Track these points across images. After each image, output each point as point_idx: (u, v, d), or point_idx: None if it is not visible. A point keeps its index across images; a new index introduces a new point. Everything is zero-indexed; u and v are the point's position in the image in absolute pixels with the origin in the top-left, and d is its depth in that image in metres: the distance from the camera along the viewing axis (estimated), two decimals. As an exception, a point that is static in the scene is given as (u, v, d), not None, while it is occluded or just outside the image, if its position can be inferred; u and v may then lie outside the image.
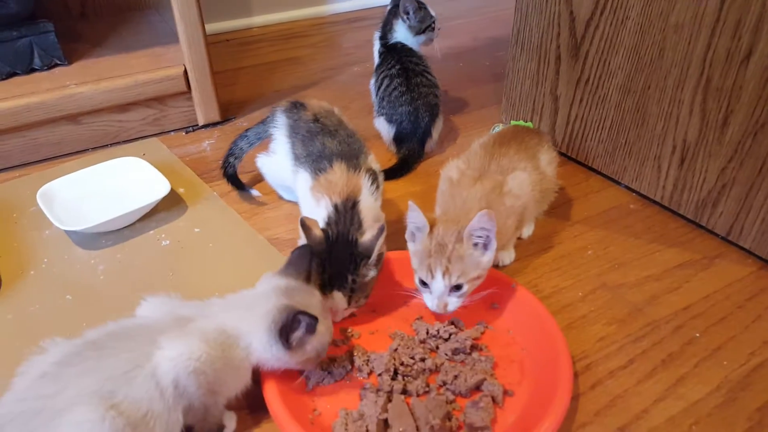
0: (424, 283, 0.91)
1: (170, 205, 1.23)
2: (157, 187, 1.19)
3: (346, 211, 0.92)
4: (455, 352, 0.89)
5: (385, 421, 0.78)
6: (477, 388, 0.85)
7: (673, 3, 1.08)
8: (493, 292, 0.94)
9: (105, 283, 1.06)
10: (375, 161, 1.05)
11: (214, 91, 1.49)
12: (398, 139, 1.41)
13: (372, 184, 0.98)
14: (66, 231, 1.14)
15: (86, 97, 1.34)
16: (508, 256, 1.10)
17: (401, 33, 1.47)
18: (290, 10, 2.25)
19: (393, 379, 0.84)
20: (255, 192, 1.26)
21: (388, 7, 1.51)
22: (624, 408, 0.86)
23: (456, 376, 0.84)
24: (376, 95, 1.45)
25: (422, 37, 1.48)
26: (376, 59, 1.51)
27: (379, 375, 0.85)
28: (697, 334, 0.97)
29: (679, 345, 0.95)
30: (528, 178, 1.01)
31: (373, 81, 1.48)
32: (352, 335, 0.94)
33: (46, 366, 0.68)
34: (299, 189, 1.03)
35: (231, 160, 1.25)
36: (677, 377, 0.90)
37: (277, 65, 1.91)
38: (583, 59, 1.29)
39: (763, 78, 1.00)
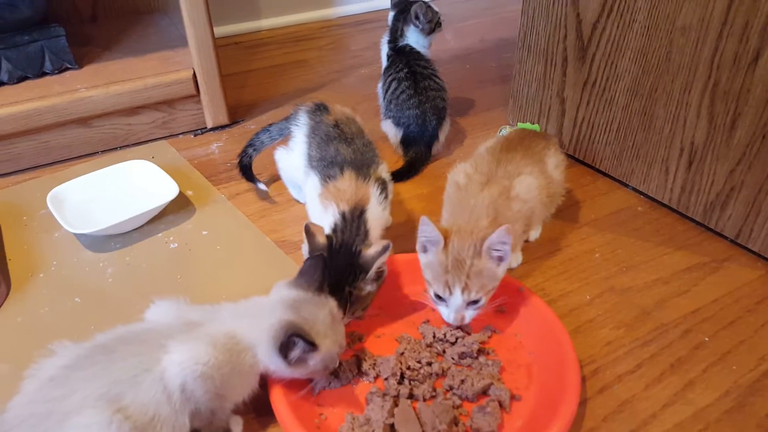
0: (439, 297, 0.90)
1: (178, 207, 1.24)
2: (166, 190, 1.20)
3: (353, 220, 0.92)
4: (462, 356, 0.89)
5: (392, 425, 0.78)
6: (484, 392, 0.84)
7: (680, 6, 1.08)
8: (500, 296, 0.94)
9: (113, 285, 1.06)
10: (386, 171, 1.05)
11: (222, 94, 1.50)
12: (405, 142, 1.41)
13: (381, 193, 0.98)
14: (75, 234, 1.14)
15: (96, 101, 1.35)
16: (516, 260, 1.09)
17: (412, 37, 1.47)
18: (298, 12, 2.26)
19: (399, 383, 0.85)
20: (262, 185, 1.27)
21: (392, 13, 1.51)
22: (632, 413, 0.85)
23: (463, 381, 0.84)
24: (384, 98, 1.45)
25: (433, 35, 1.49)
26: (384, 62, 1.51)
27: (386, 379, 0.85)
28: (706, 339, 0.97)
29: (688, 349, 0.95)
30: (535, 182, 1.01)
31: (380, 84, 1.48)
32: (359, 339, 0.94)
33: (55, 369, 0.68)
34: (308, 193, 1.03)
35: (249, 150, 1.26)
36: (686, 382, 0.90)
37: (285, 68, 1.91)
38: (590, 62, 1.28)
39: (771, 81, 0.99)
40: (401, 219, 1.21)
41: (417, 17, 1.45)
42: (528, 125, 1.34)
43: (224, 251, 1.14)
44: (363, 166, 1.00)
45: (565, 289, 1.06)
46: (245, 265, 1.11)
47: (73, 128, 1.38)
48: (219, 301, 0.82)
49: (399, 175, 1.35)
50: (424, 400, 0.83)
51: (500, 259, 0.87)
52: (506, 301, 0.96)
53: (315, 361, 0.77)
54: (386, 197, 1.00)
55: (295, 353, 0.75)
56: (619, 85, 1.24)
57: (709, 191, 1.15)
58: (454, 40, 2.08)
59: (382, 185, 1.00)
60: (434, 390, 0.84)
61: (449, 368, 0.87)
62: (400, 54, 1.46)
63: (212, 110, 1.51)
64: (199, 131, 1.53)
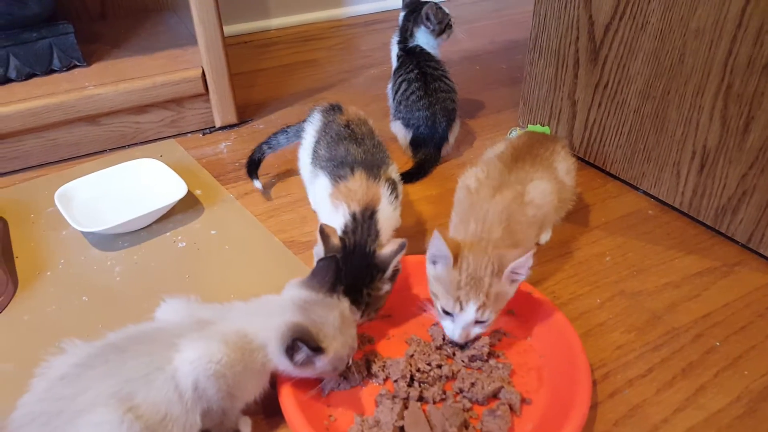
0: (446, 312, 0.88)
1: (187, 207, 1.24)
2: (174, 189, 1.20)
3: (364, 221, 0.92)
4: (472, 358, 0.89)
5: (402, 428, 0.78)
6: (494, 395, 0.84)
7: (693, 8, 1.07)
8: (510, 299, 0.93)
9: (121, 284, 1.06)
10: (396, 171, 1.04)
11: (231, 93, 1.50)
12: (415, 144, 1.41)
13: (391, 194, 0.97)
14: (83, 232, 1.14)
15: (104, 99, 1.35)
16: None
17: (422, 38, 1.47)
18: (308, 12, 2.26)
19: (409, 385, 0.84)
20: (258, 184, 1.28)
21: (402, 14, 1.50)
22: (643, 417, 0.85)
23: (473, 384, 0.84)
24: (394, 99, 1.45)
25: (444, 36, 1.49)
26: (394, 63, 1.51)
27: (395, 381, 0.84)
28: (717, 343, 0.96)
29: (699, 354, 0.94)
30: (549, 187, 0.99)
31: (390, 84, 1.48)
32: (369, 340, 0.93)
33: (66, 367, 0.68)
34: (318, 194, 1.03)
35: (264, 147, 1.27)
36: (697, 387, 0.89)
37: (294, 67, 1.91)
38: (601, 64, 1.28)
39: (786, 84, 0.99)
40: (410, 221, 1.21)
41: (428, 18, 1.44)
42: (538, 127, 1.34)
43: (232, 251, 1.14)
44: (374, 167, 0.99)
45: (576, 293, 1.05)
46: (253, 265, 1.11)
47: (81, 126, 1.38)
48: (227, 300, 0.81)
49: (408, 177, 1.34)
50: (434, 402, 0.83)
51: (516, 280, 0.87)
52: (516, 304, 0.95)
53: (322, 363, 0.76)
54: (397, 197, 1.00)
55: (300, 356, 0.75)
56: (631, 88, 1.23)
57: (721, 195, 1.14)
58: (466, 39, 2.08)
59: (393, 186, 0.99)
60: (444, 393, 0.84)
61: (459, 371, 0.87)
62: (411, 55, 1.45)
63: (221, 109, 1.51)
64: (207, 130, 1.53)
